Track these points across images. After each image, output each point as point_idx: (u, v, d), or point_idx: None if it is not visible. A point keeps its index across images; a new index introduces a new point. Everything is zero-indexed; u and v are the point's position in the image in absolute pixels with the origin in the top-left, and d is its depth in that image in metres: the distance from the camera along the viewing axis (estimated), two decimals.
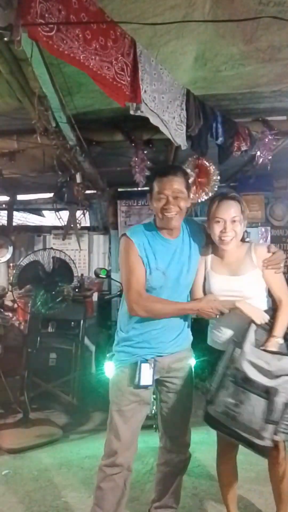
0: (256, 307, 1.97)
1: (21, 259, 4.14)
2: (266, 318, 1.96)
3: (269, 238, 5.62)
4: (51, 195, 5.05)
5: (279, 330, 1.95)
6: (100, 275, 3.74)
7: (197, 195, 3.73)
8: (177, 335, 2.08)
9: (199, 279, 2.09)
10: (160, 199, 1.94)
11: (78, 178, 3.93)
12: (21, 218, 6.82)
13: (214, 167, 3.62)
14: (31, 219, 7.08)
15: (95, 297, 5.30)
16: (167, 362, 2.05)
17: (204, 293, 2.09)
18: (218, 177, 3.65)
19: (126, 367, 2.02)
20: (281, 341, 1.96)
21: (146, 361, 1.98)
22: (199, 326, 2.14)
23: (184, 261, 2.04)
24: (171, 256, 2.01)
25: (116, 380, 2.05)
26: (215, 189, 3.69)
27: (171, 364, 2.06)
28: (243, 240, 2.09)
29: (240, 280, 2.00)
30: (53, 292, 3.66)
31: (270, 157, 3.28)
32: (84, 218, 5.65)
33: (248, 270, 2.01)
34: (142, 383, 1.96)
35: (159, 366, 2.02)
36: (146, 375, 1.97)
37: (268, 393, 1.79)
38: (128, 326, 2.04)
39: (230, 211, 1.96)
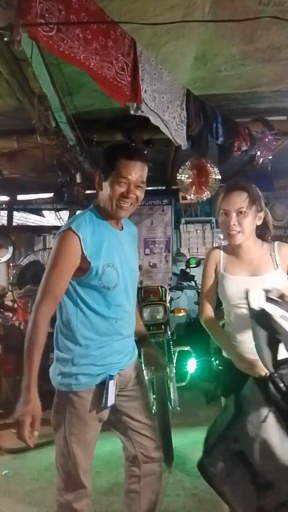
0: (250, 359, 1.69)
1: (21, 259, 4.14)
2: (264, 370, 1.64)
3: (269, 238, 5.63)
4: (51, 195, 5.05)
5: None
6: None
7: (197, 195, 3.74)
8: (133, 344, 1.89)
9: (210, 284, 1.92)
10: (121, 184, 1.65)
11: (78, 178, 3.93)
12: (21, 218, 6.80)
13: (212, 166, 3.62)
14: (31, 219, 7.07)
15: None
16: (129, 374, 1.83)
17: (219, 298, 1.92)
18: (219, 177, 3.65)
19: (87, 391, 1.68)
20: None
21: (112, 378, 1.70)
22: (199, 326, 2.11)
23: (132, 256, 1.82)
24: (121, 249, 1.75)
25: (75, 410, 1.68)
26: (216, 189, 3.70)
27: (131, 374, 1.85)
28: (263, 238, 1.91)
29: (261, 281, 1.77)
30: None
31: (270, 157, 3.28)
32: None
33: (270, 270, 1.81)
34: (110, 403, 1.69)
35: (121, 380, 1.77)
36: (112, 394, 1.70)
37: None
38: (83, 337, 1.68)
39: (234, 201, 1.77)
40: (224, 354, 1.93)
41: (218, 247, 2.00)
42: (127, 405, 1.84)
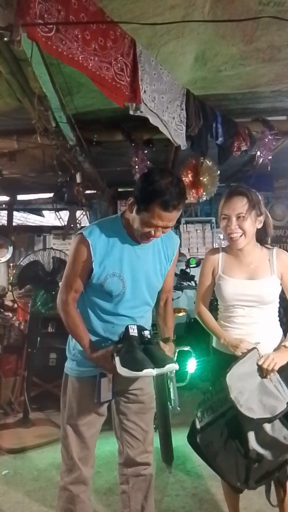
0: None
1: (21, 259, 4.13)
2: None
3: (268, 241, 5.63)
4: (51, 195, 5.05)
5: None
6: None
7: (194, 196, 3.74)
8: None
9: (205, 285, 2.00)
10: (150, 226, 1.64)
11: (78, 178, 3.92)
12: (21, 218, 6.82)
13: (210, 166, 3.61)
14: (31, 219, 7.08)
15: None
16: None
17: (216, 298, 2.01)
18: (218, 173, 3.65)
19: (81, 380, 1.80)
20: None
21: (105, 375, 1.75)
22: (199, 326, 2.13)
23: (150, 268, 1.81)
24: (135, 261, 1.76)
25: (71, 392, 1.82)
26: (216, 189, 3.69)
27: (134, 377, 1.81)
28: (263, 242, 1.99)
29: (259, 285, 1.88)
30: (53, 292, 3.65)
31: (270, 157, 3.28)
32: (84, 218, 5.65)
33: (267, 275, 1.90)
34: (103, 399, 1.75)
35: (120, 378, 1.70)
36: (106, 390, 1.74)
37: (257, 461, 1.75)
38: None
39: (234, 206, 1.85)
40: (214, 343, 2.04)
41: (218, 249, 2.06)
42: (126, 405, 1.88)
